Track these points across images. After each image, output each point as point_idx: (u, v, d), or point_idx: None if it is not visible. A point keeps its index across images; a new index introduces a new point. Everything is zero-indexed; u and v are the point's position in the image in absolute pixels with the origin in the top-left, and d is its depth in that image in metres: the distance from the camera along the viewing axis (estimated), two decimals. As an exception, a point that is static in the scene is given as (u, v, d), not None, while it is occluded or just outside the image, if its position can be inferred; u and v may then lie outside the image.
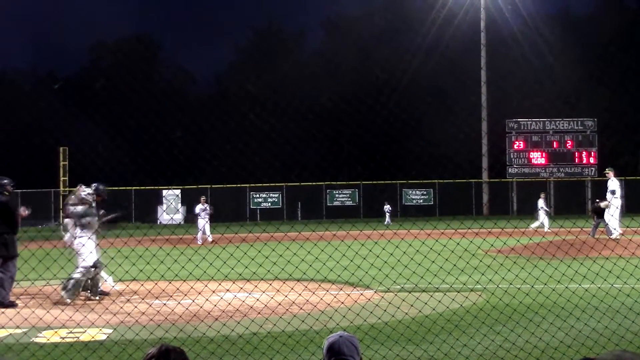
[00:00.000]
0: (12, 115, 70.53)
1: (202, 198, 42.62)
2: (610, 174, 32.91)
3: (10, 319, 14.44)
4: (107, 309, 16.11)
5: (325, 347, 5.54)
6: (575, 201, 61.74)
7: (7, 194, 17.99)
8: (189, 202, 65.53)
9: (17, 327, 13.72)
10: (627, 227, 30.91)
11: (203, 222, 40.95)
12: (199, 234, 40.30)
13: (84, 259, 18.03)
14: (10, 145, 66.06)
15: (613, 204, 32.22)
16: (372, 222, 55.27)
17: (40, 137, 66.46)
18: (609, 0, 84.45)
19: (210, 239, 39.09)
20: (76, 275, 17.88)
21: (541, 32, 74.62)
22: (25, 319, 13.90)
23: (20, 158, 63.85)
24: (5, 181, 17.98)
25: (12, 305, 16.78)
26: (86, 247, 18.28)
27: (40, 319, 14.01)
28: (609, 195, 32.69)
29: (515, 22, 75.63)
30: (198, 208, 41.58)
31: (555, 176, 63.57)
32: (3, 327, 14.07)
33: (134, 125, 71.11)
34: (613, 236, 30.62)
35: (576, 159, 62.53)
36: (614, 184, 32.63)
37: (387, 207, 60.55)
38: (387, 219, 58.78)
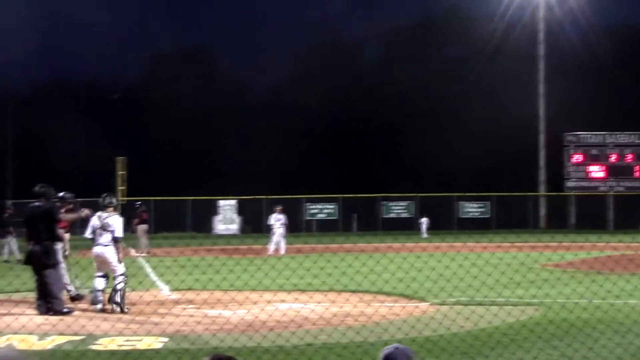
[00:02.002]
0: (73, 125, 71.35)
1: (279, 208, 41.28)
2: None
3: (69, 326, 14.58)
4: (163, 317, 16.22)
5: (381, 359, 5.54)
6: (636, 216, 60.88)
7: (56, 200, 18.16)
8: (244, 212, 65.88)
9: (75, 334, 13.88)
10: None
11: (279, 232, 39.61)
12: (271, 245, 38.93)
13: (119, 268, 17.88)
14: (72, 155, 66.89)
15: None
16: (430, 234, 55.11)
17: (99, 147, 67.28)
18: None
19: (283, 252, 37.97)
20: (120, 286, 17.67)
21: (601, 43, 73.79)
22: (83, 326, 14.05)
23: (81, 167, 64.83)
24: (52, 190, 18.12)
25: (69, 312, 16.90)
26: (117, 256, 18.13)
27: (98, 326, 14.18)
28: None
29: (575, 33, 74.91)
30: (273, 218, 40.35)
31: (614, 190, 62.78)
32: (62, 334, 14.21)
33: (192, 136, 71.75)
34: None
35: (636, 173, 61.70)
36: None
37: (423, 219, 59.26)
38: (423, 231, 57.70)
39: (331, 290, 18.25)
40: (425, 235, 56.12)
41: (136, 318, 16.06)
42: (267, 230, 41.09)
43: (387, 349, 5.59)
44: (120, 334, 13.88)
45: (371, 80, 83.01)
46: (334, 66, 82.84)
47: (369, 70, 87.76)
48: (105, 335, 13.82)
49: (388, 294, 18.89)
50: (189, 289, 17.05)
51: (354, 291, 18.36)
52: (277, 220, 39.66)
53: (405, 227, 63.80)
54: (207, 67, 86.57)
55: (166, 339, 13.72)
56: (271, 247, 38.23)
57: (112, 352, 12.58)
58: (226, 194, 65.27)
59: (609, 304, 16.13)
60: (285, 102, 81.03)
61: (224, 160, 77.24)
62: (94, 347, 13.11)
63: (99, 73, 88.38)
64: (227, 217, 64.82)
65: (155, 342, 13.51)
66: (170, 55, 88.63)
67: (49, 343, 13.38)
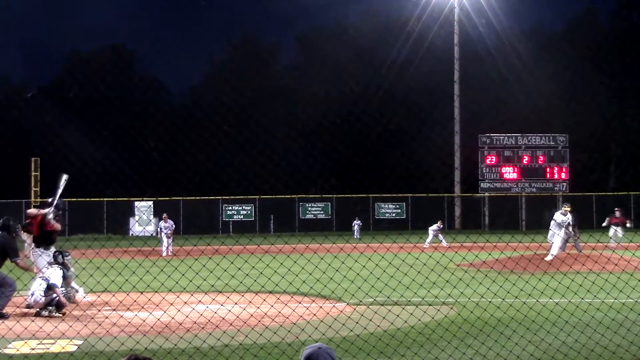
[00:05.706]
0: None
1: (165, 215, 43.63)
2: (566, 209, 32.00)
3: (-20, 330, 14.31)
4: (78, 319, 16.01)
5: (303, 358, 5.57)
6: (547, 216, 62.01)
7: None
8: (161, 214, 65.40)
9: (-13, 337, 13.60)
10: (598, 241, 31.19)
11: (166, 238, 41.86)
12: (169, 248, 41.29)
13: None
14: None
15: (559, 234, 31.08)
16: (345, 234, 55.36)
17: (13, 146, 66.09)
18: (582, 18, 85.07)
19: (168, 253, 40.28)
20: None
21: (515, 47, 75.10)
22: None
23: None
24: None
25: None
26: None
27: (10, 329, 13.91)
28: (557, 226, 31.81)
29: (489, 37, 76.12)
30: (162, 224, 42.86)
31: (526, 191, 63.80)
32: (-28, 338, 13.93)
33: (107, 136, 70.90)
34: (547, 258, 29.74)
35: (548, 175, 62.80)
36: (559, 217, 31.48)
37: (356, 222, 60.33)
38: (357, 234, 58.60)
39: (248, 291, 18.21)
40: (357, 236, 56.63)
41: (50, 320, 15.82)
42: (178, 233, 42.66)
43: (310, 348, 5.62)
44: (33, 336, 13.65)
45: (288, 81, 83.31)
46: (251, 67, 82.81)
47: (286, 71, 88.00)
48: (18, 338, 13.58)
49: (305, 294, 18.93)
50: (105, 290, 16.84)
51: (271, 292, 18.35)
52: (165, 228, 41.57)
53: (322, 228, 64.04)
54: (125, 66, 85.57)
55: (81, 342, 13.54)
56: (165, 250, 40.98)
57: (25, 355, 12.37)
58: (142, 195, 64.69)
59: (521, 302, 16.41)
60: (201, 101, 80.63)
61: (140, 161, 76.46)
62: (6, 350, 12.88)
63: (14, 70, 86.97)
64: (143, 218, 64.23)
65: (69, 345, 13.32)
66: (86, 53, 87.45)
67: (-40, 347, 13.10)
